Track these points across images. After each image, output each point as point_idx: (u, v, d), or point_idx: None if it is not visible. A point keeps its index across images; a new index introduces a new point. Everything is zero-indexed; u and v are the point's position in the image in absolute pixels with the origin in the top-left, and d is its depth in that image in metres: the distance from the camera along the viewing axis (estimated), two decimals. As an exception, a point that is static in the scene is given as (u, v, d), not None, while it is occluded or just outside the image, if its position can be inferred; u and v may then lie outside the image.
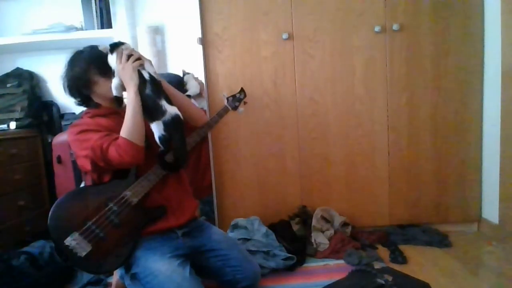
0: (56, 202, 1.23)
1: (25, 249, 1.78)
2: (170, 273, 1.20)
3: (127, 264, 1.30)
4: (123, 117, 1.28)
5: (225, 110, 1.70)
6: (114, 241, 1.22)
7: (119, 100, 1.37)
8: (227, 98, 1.74)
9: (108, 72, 1.33)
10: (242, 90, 1.78)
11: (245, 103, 1.78)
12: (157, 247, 1.28)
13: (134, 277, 1.28)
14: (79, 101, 1.41)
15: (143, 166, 1.31)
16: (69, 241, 1.15)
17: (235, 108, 1.74)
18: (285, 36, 2.06)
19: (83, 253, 1.15)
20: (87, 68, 1.33)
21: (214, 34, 2.07)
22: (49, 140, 2.29)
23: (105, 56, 1.33)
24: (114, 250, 1.23)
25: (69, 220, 1.19)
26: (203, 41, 2.06)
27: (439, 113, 2.11)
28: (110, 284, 1.65)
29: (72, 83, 1.36)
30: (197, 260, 1.36)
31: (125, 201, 1.25)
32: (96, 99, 1.39)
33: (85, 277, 1.73)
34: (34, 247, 1.80)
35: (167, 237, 1.33)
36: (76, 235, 1.16)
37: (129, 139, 1.19)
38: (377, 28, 2.04)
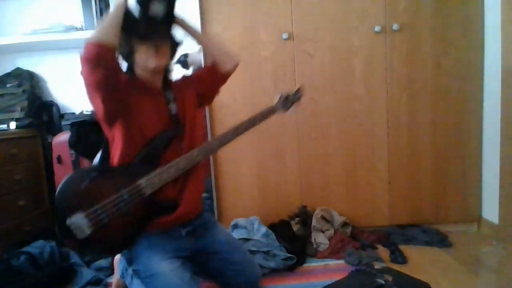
0: (68, 175, 1.16)
1: (25, 249, 1.78)
2: (172, 276, 1.18)
3: (129, 258, 1.27)
4: (153, 97, 1.24)
5: (272, 111, 1.47)
6: (117, 229, 1.15)
7: (161, 74, 1.29)
8: (279, 98, 1.51)
9: (149, 38, 1.20)
10: (299, 90, 1.55)
11: (299, 104, 1.57)
12: (159, 246, 1.25)
13: (135, 273, 1.26)
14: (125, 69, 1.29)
15: (167, 155, 1.23)
16: (72, 221, 1.08)
17: (285, 109, 1.52)
18: (285, 36, 2.06)
19: (83, 236, 1.09)
20: (129, 36, 1.21)
21: (214, 34, 2.07)
22: (49, 140, 2.29)
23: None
24: (116, 238, 1.17)
25: (77, 198, 1.12)
26: (203, 41, 2.06)
27: (439, 113, 2.11)
28: (110, 284, 1.65)
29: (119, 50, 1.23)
30: (198, 261, 1.34)
31: (138, 191, 1.17)
32: (136, 69, 1.27)
33: (85, 277, 1.73)
34: (34, 247, 1.80)
35: (171, 235, 1.29)
36: (80, 215, 1.09)
37: (91, 37, 1.07)
38: (377, 28, 2.05)
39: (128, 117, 1.19)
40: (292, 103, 1.54)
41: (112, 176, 1.19)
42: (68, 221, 1.07)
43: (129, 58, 1.24)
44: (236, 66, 1.46)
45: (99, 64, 1.06)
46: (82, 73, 1.09)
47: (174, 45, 1.31)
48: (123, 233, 1.18)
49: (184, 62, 2.27)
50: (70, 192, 1.12)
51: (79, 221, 1.08)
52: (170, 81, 1.37)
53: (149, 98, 1.25)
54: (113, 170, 1.22)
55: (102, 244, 1.15)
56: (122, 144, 1.20)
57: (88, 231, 1.09)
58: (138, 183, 1.17)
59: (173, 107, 1.30)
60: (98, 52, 1.05)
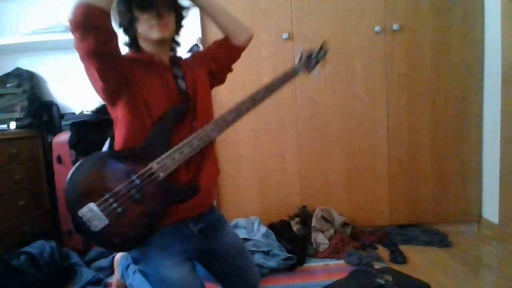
0: (77, 164, 1.08)
1: (25, 249, 1.78)
2: (182, 284, 1.12)
3: (136, 258, 1.20)
4: (160, 73, 1.14)
5: (294, 73, 1.29)
6: (133, 218, 1.07)
7: (166, 43, 1.17)
8: (301, 57, 1.33)
9: (150, 6, 1.10)
10: (323, 45, 1.36)
11: (325, 63, 1.38)
12: (169, 247, 1.16)
13: (142, 273, 1.19)
14: (128, 42, 1.19)
15: (178, 133, 1.12)
16: (84, 212, 1.01)
17: (309, 70, 1.34)
18: (285, 36, 2.06)
19: (98, 228, 1.02)
20: (130, 5, 1.13)
21: (214, 34, 2.06)
22: (49, 140, 2.29)
23: None
24: (134, 229, 1.08)
25: (88, 188, 1.04)
26: (203, 41, 2.06)
27: (439, 113, 2.11)
28: (110, 284, 1.65)
29: (119, 20, 1.16)
30: (201, 261, 1.29)
31: (150, 175, 1.07)
32: (141, 42, 1.17)
33: (85, 277, 1.74)
34: (34, 247, 1.80)
35: (182, 234, 1.19)
36: (92, 206, 1.02)
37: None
38: (377, 28, 2.05)
39: (132, 93, 1.08)
40: (317, 62, 1.34)
41: (121, 161, 1.09)
42: (79, 213, 1.00)
43: (130, 29, 1.14)
44: (250, 38, 1.33)
45: (89, 28, 0.94)
46: (74, 45, 0.98)
47: (180, 15, 1.21)
48: (141, 224, 1.09)
49: (196, 51, 2.27)
50: (79, 183, 1.05)
51: (91, 212, 1.01)
52: (179, 58, 1.27)
53: (155, 73, 1.14)
54: (121, 154, 1.11)
55: (120, 236, 1.07)
56: (126, 124, 1.10)
57: (104, 222, 1.02)
58: (149, 166, 1.07)
59: (182, 83, 1.19)
60: (87, 14, 0.93)
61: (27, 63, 2.51)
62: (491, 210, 2.08)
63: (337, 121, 2.14)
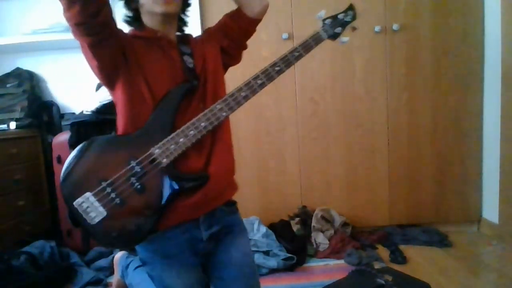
0: (74, 151, 0.99)
1: (25, 249, 1.79)
2: None
3: (143, 261, 1.13)
4: (163, 49, 1.05)
5: (316, 40, 1.12)
6: (134, 210, 0.97)
7: (170, 19, 1.07)
8: (324, 21, 1.15)
9: None
10: (350, 8, 1.16)
11: (354, 29, 1.17)
12: (175, 255, 1.07)
13: (149, 276, 1.12)
14: (129, 17, 1.10)
15: (185, 116, 1.01)
16: (79, 203, 0.93)
17: (334, 36, 1.15)
18: (285, 36, 2.06)
19: (95, 220, 0.93)
20: None
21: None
22: (49, 140, 2.29)
23: None
24: (134, 222, 0.97)
25: (84, 176, 0.95)
26: (203, 41, 2.06)
27: (439, 113, 2.11)
28: (110, 284, 1.65)
29: None
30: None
31: (151, 161, 0.96)
32: (143, 16, 1.07)
33: (85, 277, 1.74)
34: (34, 247, 1.80)
35: (190, 237, 1.07)
36: (88, 196, 0.93)
37: None
38: (377, 28, 2.05)
39: (132, 71, 0.99)
40: (343, 27, 1.16)
41: (120, 146, 1.00)
42: (74, 204, 0.93)
43: (132, 1, 1.05)
44: (265, 8, 1.22)
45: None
46: (63, 15, 0.88)
47: None
48: (142, 217, 0.98)
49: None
50: (74, 171, 0.96)
51: (87, 202, 0.93)
52: (189, 35, 1.16)
53: (158, 49, 1.04)
54: (121, 139, 1.01)
55: (118, 230, 0.97)
56: (126, 106, 1.00)
57: (102, 214, 0.94)
58: (151, 151, 0.97)
59: (189, 60, 1.07)
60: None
61: (27, 63, 2.51)
62: (491, 210, 2.08)
63: (337, 121, 2.13)
